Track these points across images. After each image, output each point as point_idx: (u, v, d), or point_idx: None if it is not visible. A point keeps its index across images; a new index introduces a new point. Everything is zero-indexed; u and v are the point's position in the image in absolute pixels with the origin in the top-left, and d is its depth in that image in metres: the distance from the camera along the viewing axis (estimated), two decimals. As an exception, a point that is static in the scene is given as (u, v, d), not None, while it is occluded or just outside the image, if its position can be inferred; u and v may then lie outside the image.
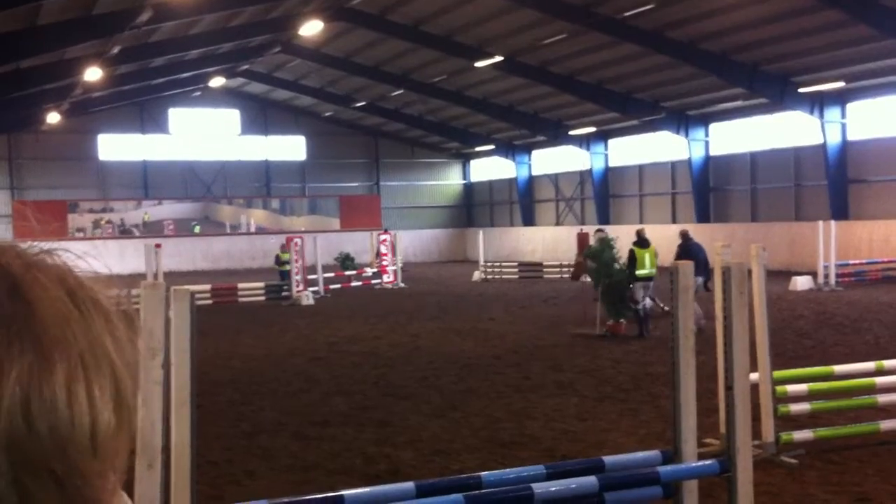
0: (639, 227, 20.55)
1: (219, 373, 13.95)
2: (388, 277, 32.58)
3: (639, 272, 17.15)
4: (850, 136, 33.14)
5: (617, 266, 17.48)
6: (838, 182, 33.17)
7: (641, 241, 17.56)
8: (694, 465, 6.02)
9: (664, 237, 35.38)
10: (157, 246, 24.17)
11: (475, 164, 56.64)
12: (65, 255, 0.66)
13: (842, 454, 8.53)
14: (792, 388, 8.75)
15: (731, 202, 39.08)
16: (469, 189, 57.43)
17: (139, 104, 47.02)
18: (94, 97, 39.56)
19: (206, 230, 50.73)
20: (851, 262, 27.80)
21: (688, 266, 6.28)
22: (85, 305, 0.63)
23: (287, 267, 27.95)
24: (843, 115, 33.07)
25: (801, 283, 26.47)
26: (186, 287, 5.71)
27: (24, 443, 0.57)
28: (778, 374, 8.81)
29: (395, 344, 17.31)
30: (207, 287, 26.80)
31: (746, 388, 6.22)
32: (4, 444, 0.56)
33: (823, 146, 33.08)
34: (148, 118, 49.11)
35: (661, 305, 18.46)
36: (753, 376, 7.60)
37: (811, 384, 8.92)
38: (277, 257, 30.00)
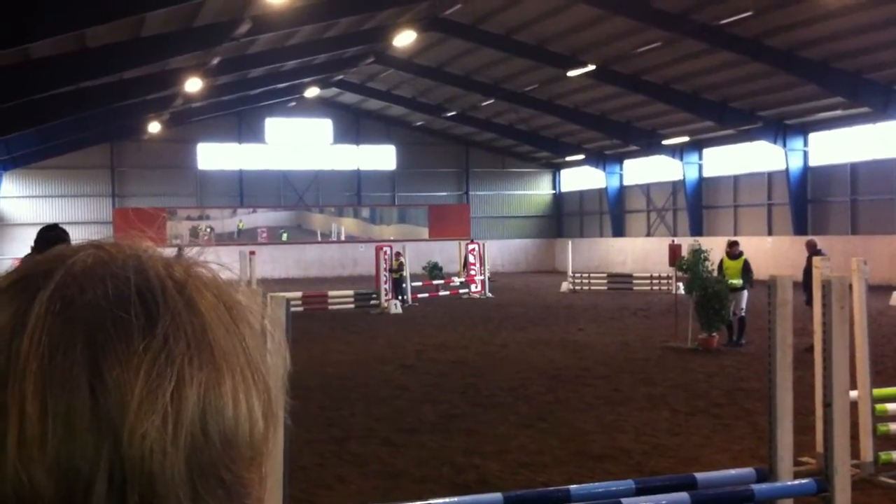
0: (732, 238, 20.33)
1: (310, 378, 14.15)
2: (476, 287, 32.61)
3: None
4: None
5: (707, 275, 17.33)
6: (944, 194, 32.02)
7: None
8: (790, 483, 5.87)
9: (760, 249, 34.76)
10: (252, 253, 24.62)
11: (565, 174, 56.34)
12: (210, 265, 0.69)
13: (946, 477, 8.21)
14: (892, 407, 8.47)
15: (830, 214, 38.01)
16: (559, 199, 57.15)
17: (237, 114, 48.14)
18: (193, 107, 40.65)
19: (298, 238, 51.58)
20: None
21: (786, 279, 6.14)
22: (239, 317, 0.66)
23: (399, 275, 28.31)
24: (950, 125, 31.93)
25: (904, 298, 25.61)
26: (282, 294, 5.81)
27: (201, 452, 0.59)
28: (878, 391, 8.55)
29: (483, 353, 17.30)
30: (299, 294, 27.24)
31: (846, 406, 6.05)
32: (186, 453, 0.58)
33: (928, 157, 31.99)
34: (245, 128, 50.24)
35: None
36: (853, 394, 7.38)
37: (914, 403, 8.62)
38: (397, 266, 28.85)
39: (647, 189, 49.06)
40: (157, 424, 0.58)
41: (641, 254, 46.06)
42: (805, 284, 15.11)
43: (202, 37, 24.05)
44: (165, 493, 0.58)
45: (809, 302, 14.87)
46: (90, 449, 0.57)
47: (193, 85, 29.64)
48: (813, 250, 17.03)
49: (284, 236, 51.45)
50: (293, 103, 48.77)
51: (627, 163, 50.10)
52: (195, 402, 0.59)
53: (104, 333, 0.59)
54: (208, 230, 50.11)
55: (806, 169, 38.47)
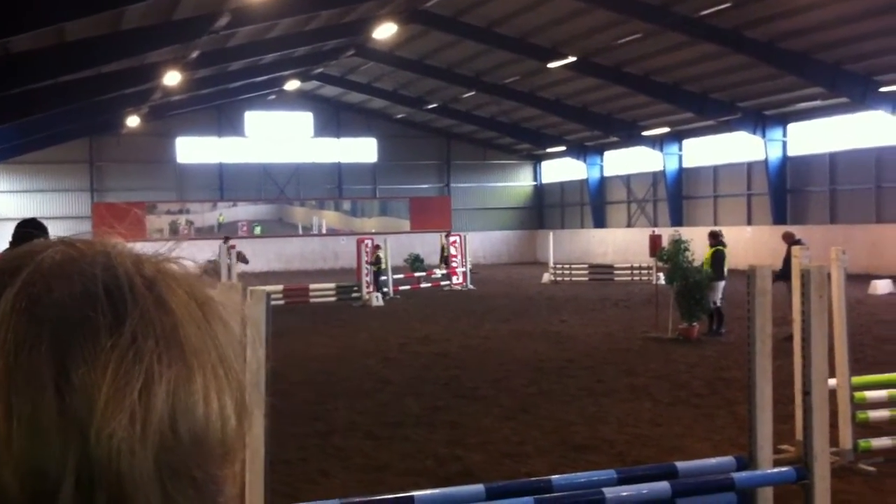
0: (714, 228, 20.45)
1: (294, 373, 14.13)
2: (458, 279, 32.62)
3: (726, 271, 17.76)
4: (935, 137, 32.27)
5: (687, 266, 17.42)
6: (922, 183, 32.31)
7: (724, 243, 18.15)
8: (769, 471, 5.92)
9: (740, 239, 34.93)
10: (232, 247, 24.57)
11: (546, 166, 56.41)
12: (182, 261, 0.68)
13: (924, 463, 8.31)
14: (871, 395, 8.55)
15: (809, 204, 38.25)
16: (540, 190, 57.23)
17: (216, 107, 47.91)
18: (172, 101, 40.42)
19: (279, 231, 51.38)
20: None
21: (765, 269, 6.18)
22: (210, 313, 0.65)
23: (377, 267, 28.24)
24: (927, 115, 32.18)
25: (882, 286, 25.85)
26: (262, 288, 5.80)
27: (171, 451, 0.59)
28: (857, 379, 8.62)
29: (466, 346, 17.34)
30: (279, 288, 27.17)
31: (824, 394, 6.10)
32: (154, 452, 0.58)
33: (906, 146, 32.24)
34: (224, 121, 50.02)
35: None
36: (831, 382, 7.45)
37: (891, 390, 8.71)
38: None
39: (627, 180, 49.21)
40: (124, 424, 0.57)
41: (622, 244, 46.21)
42: (784, 274, 15.16)
43: (181, 30, 23.90)
44: (134, 493, 0.57)
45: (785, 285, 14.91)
46: (57, 449, 0.56)
47: (172, 78, 29.45)
48: (791, 241, 17.14)
49: (258, 230, 51.13)
50: (273, 96, 48.58)
51: (608, 154, 50.21)
52: (164, 401, 0.59)
53: (70, 332, 0.59)
54: (189, 224, 49.87)
55: (785, 159, 38.68)
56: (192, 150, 50.18)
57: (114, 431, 0.57)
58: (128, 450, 0.57)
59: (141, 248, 0.68)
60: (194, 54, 28.30)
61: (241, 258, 31.05)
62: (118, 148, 47.75)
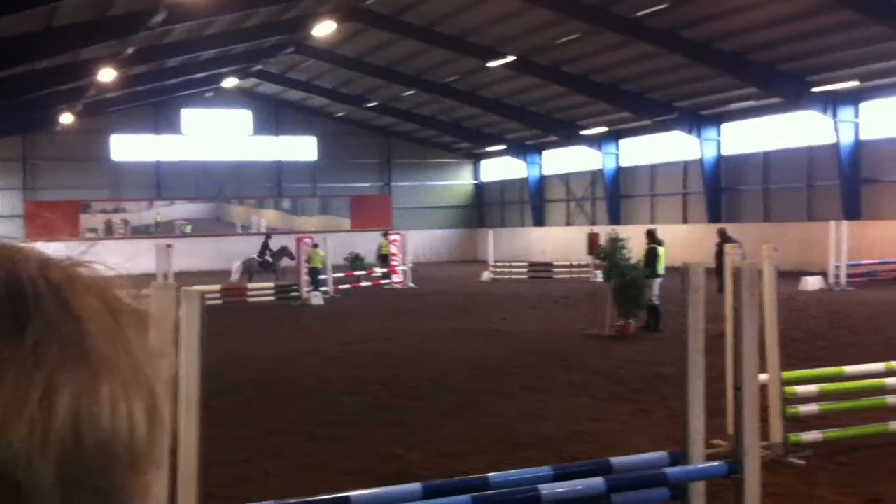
0: (651, 227, 20.72)
1: (234, 373, 14.00)
2: (399, 278, 32.60)
3: (660, 269, 17.93)
4: (863, 136, 33.06)
5: (625, 264, 17.63)
6: (851, 182, 33.07)
7: (659, 241, 18.36)
8: (702, 466, 6.04)
9: (677, 237, 35.44)
10: (169, 246, 24.21)
11: (486, 165, 56.65)
12: (95, 264, 0.67)
13: (851, 455, 8.53)
14: (801, 389, 8.74)
15: (743, 202, 38.97)
16: (480, 189, 57.45)
17: (153, 105, 47.21)
18: (107, 98, 39.75)
19: (217, 230, 50.71)
20: (864, 262, 27.70)
21: (698, 267, 6.30)
22: (123, 319, 0.64)
23: (316, 265, 27.98)
24: (857, 115, 32.97)
25: (812, 283, 26.42)
26: (197, 287, 5.76)
27: (74, 460, 0.58)
28: (787, 374, 8.80)
29: (407, 344, 17.34)
30: (217, 287, 26.86)
31: (755, 389, 6.22)
32: (55, 462, 0.57)
33: (836, 146, 32.98)
34: (161, 119, 49.29)
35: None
36: (762, 377, 7.60)
37: (821, 385, 8.91)
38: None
39: (566, 179, 49.63)
40: (23, 433, 0.56)
41: (562, 243, 46.51)
42: (717, 271, 15.41)
43: (116, 26, 23.55)
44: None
45: (722, 289, 15.18)
46: None
47: (107, 75, 28.99)
48: (724, 237, 17.46)
49: (188, 229, 50.32)
50: (211, 94, 48.05)
51: (547, 153, 50.60)
52: (66, 409, 0.58)
53: None
54: (124, 223, 49.07)
55: (719, 158, 39.36)
56: (128, 147, 49.39)
57: (11, 441, 0.55)
58: (26, 459, 0.55)
59: (55, 250, 0.66)
60: (130, 51, 27.89)
61: (288, 254, 30.59)
62: (52, 146, 46.80)
